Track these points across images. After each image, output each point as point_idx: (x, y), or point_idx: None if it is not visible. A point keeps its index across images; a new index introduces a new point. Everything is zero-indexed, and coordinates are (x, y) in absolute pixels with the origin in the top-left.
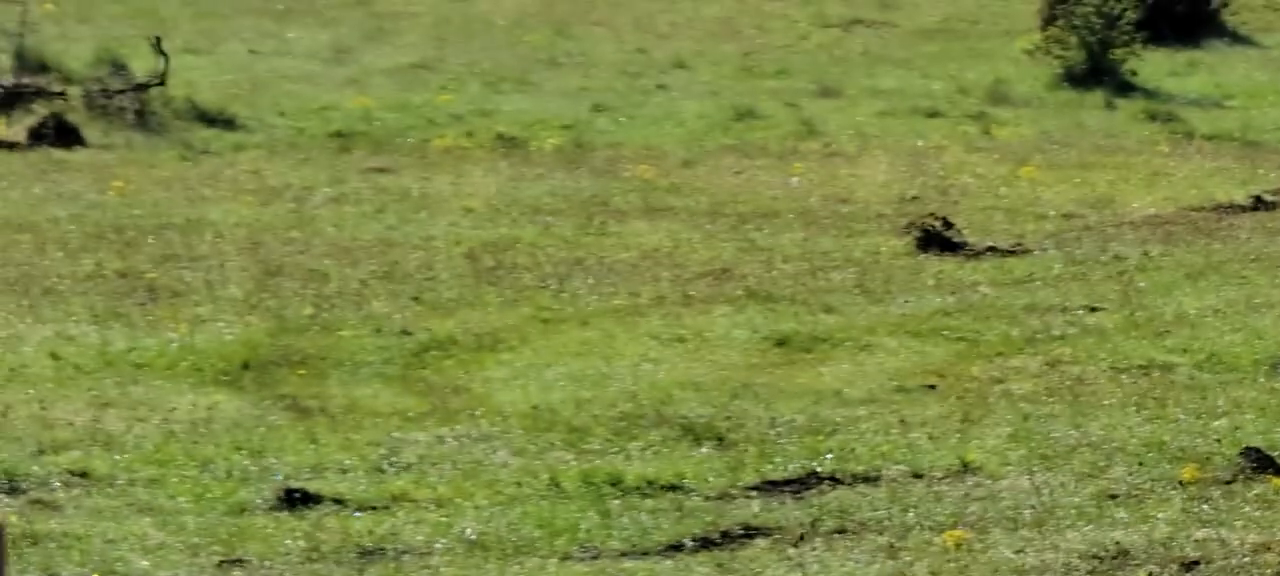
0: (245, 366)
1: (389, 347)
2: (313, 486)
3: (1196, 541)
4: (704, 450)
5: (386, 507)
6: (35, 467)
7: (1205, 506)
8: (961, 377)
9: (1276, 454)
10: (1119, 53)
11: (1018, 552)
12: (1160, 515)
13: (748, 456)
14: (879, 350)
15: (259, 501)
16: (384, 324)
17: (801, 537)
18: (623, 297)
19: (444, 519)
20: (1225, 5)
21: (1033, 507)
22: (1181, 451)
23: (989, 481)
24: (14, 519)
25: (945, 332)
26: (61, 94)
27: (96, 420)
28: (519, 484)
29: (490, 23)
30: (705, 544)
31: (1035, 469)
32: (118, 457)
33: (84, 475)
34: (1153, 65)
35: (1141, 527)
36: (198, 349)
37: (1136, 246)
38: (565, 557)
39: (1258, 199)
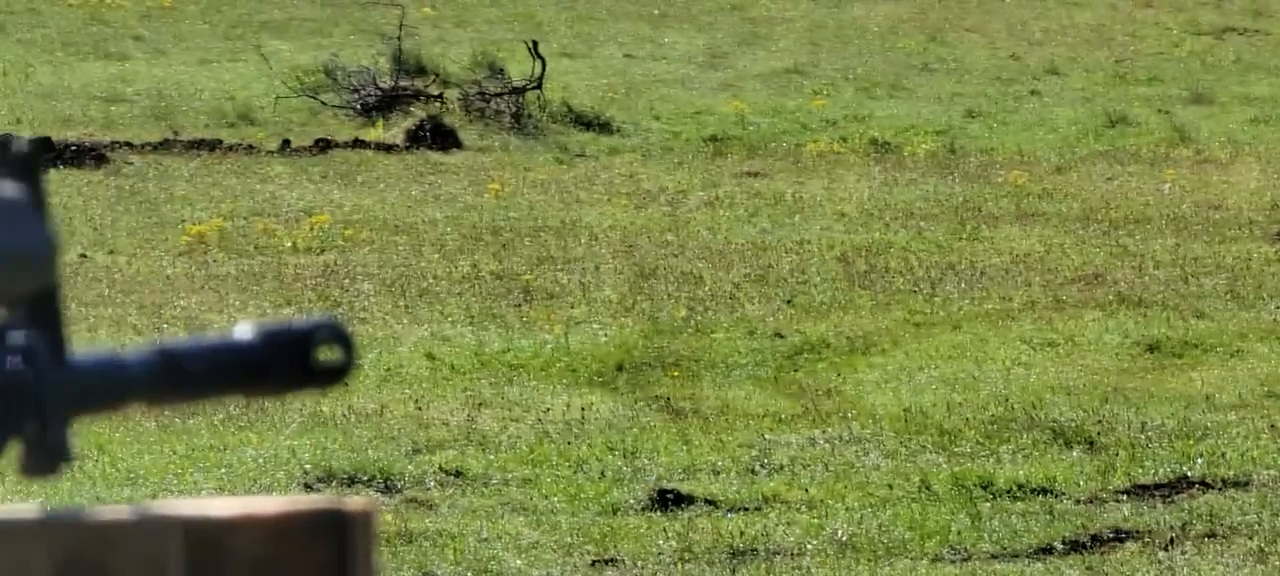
0: (619, 368)
1: (762, 350)
2: (685, 487)
3: None
4: (1074, 454)
5: (758, 508)
6: (411, 467)
7: None
8: None
9: None
10: None
11: None
12: None
13: (1118, 460)
14: (1250, 356)
15: (632, 501)
16: (757, 326)
17: (1171, 541)
18: (994, 302)
19: (815, 520)
20: None
21: None
22: None
23: None
24: (389, 517)
25: None
26: (439, 97)
27: (471, 420)
28: (890, 486)
29: (864, 28)
30: (1075, 547)
31: None
32: (492, 457)
33: (459, 474)
34: None
35: None
36: (572, 350)
37: None
38: (935, 559)
39: None
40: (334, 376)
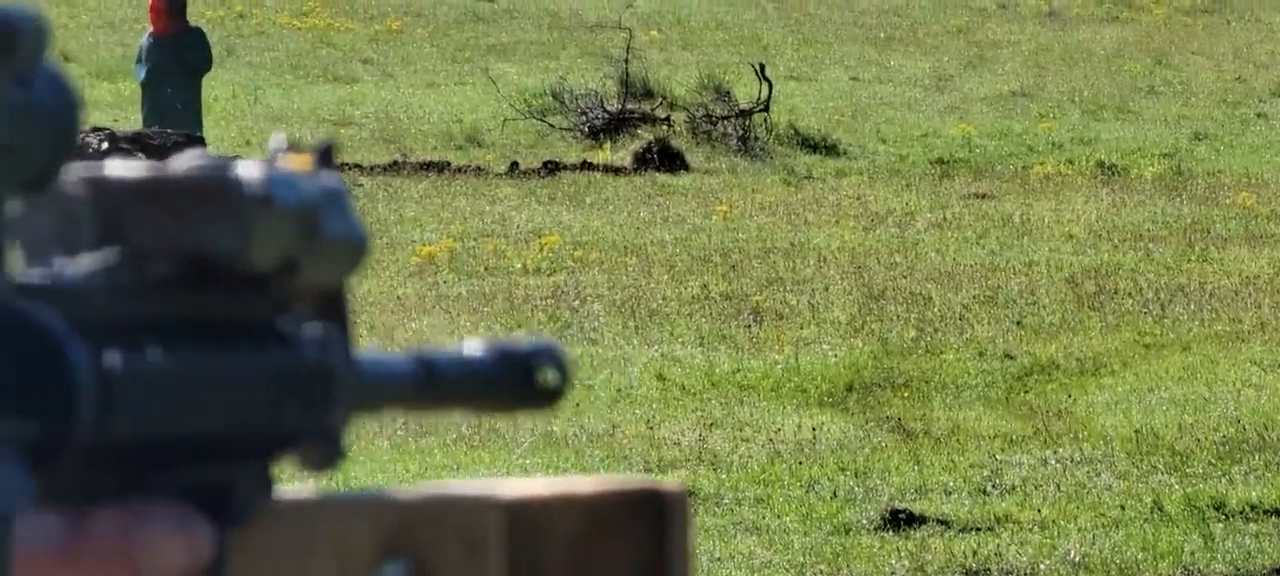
0: (849, 388)
1: (991, 371)
2: (917, 507)
3: None
4: None
5: (990, 528)
6: None
7: None
8: None
9: None
10: None
11: None
12: None
13: None
14: None
15: (864, 521)
16: (986, 347)
17: None
18: (1224, 323)
19: (1047, 540)
20: None
21: None
22: None
23: None
24: None
25: None
26: (666, 120)
27: (702, 440)
28: (1122, 507)
29: (1090, 52)
30: None
31: None
32: (724, 477)
33: (691, 494)
34: None
35: None
36: (802, 371)
37: None
38: None
39: None
40: (552, 398)
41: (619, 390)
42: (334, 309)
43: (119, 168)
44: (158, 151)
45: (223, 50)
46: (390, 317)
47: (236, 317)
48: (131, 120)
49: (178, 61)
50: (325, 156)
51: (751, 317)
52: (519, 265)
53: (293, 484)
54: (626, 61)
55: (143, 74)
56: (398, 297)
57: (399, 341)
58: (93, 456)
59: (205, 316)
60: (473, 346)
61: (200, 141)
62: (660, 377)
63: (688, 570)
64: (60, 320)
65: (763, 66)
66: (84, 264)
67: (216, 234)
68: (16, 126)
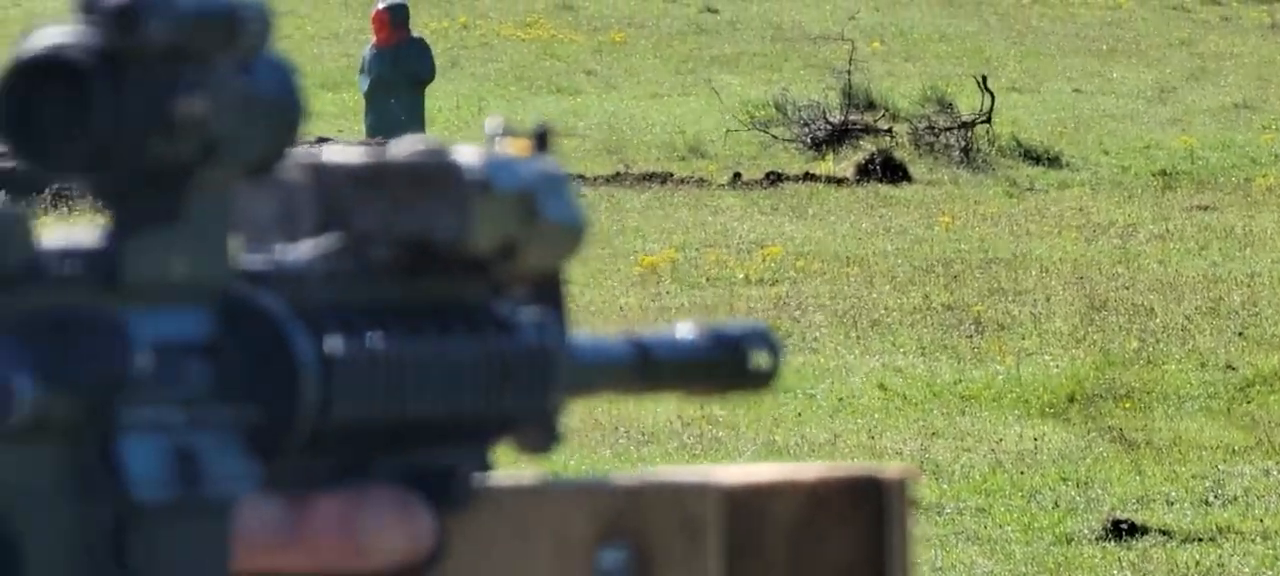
0: (1071, 399)
1: (1214, 382)
2: (1139, 517)
3: None
4: None
5: (1212, 539)
6: None
7: None
8: None
9: None
10: None
11: None
12: None
13: None
14: None
15: (1086, 531)
16: (1208, 358)
17: None
18: None
19: (1271, 551)
20: None
21: None
22: None
23: None
24: None
25: None
26: (888, 131)
27: (924, 449)
28: None
29: None
30: None
31: None
32: (945, 487)
33: (912, 504)
34: None
35: None
36: (1024, 381)
37: None
38: None
39: None
40: (764, 381)
41: (840, 400)
42: (550, 293)
43: (340, 154)
44: None
45: (446, 61)
46: (612, 328)
47: (456, 302)
48: (355, 131)
49: (401, 72)
50: (542, 140)
51: (973, 328)
52: (741, 275)
53: (510, 469)
54: (849, 73)
55: (366, 85)
56: (620, 308)
57: None
58: (315, 441)
59: (425, 301)
60: (686, 330)
61: None
62: (882, 387)
63: (908, 556)
64: (283, 306)
65: (985, 78)
66: (305, 250)
67: (436, 218)
68: (239, 113)
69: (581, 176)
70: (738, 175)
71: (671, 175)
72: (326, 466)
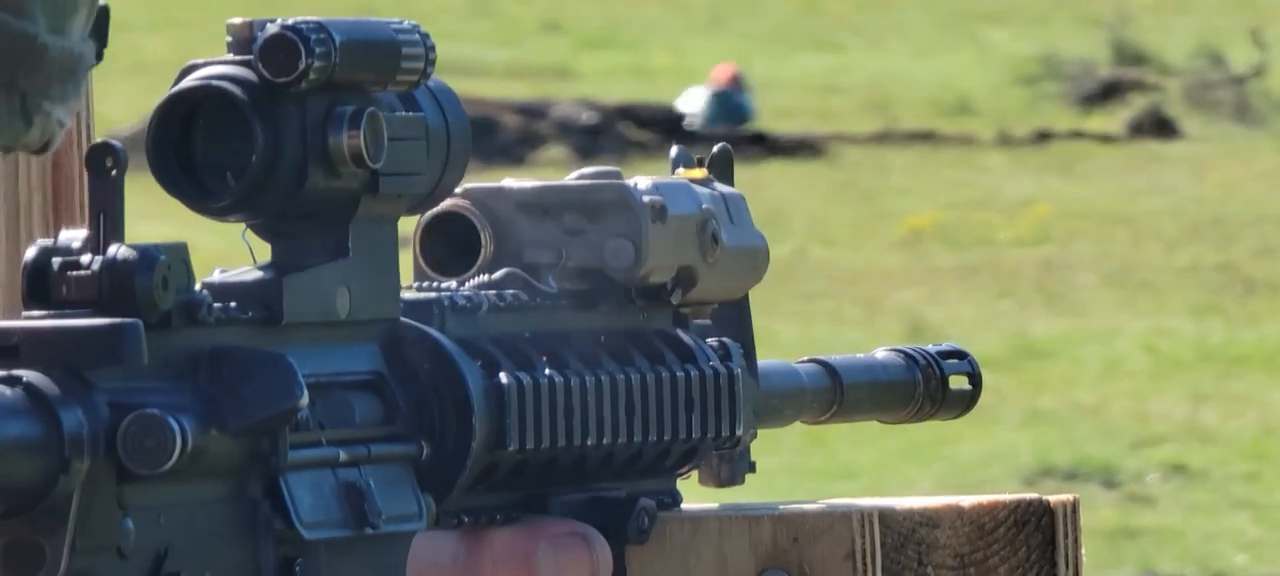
0: None
1: None
2: None
3: None
4: None
5: None
6: (1131, 461)
7: None
8: None
9: None
10: None
11: None
12: None
13: None
14: None
15: None
16: None
17: None
18: None
19: None
20: None
21: None
22: None
23: None
24: (1109, 513)
25: None
26: (1158, 86)
27: (1193, 414)
28: None
29: None
30: None
31: None
32: (1214, 452)
33: (1180, 469)
34: None
35: None
36: None
37: None
38: None
39: None
40: (964, 404)
41: (1107, 363)
42: (736, 319)
43: (512, 184)
44: (643, 124)
45: (710, 20)
46: (876, 289)
47: (633, 331)
48: (616, 91)
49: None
50: (723, 165)
51: (1244, 288)
52: (1007, 236)
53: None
54: (1119, 27)
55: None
56: (884, 269)
57: (884, 312)
58: (489, 475)
59: (601, 330)
60: (882, 353)
61: (679, 116)
62: (1150, 350)
63: None
64: (453, 339)
65: (1258, 31)
66: (478, 281)
67: (610, 247)
68: (403, 146)
69: (846, 136)
70: (1005, 133)
71: (938, 133)
72: (503, 499)
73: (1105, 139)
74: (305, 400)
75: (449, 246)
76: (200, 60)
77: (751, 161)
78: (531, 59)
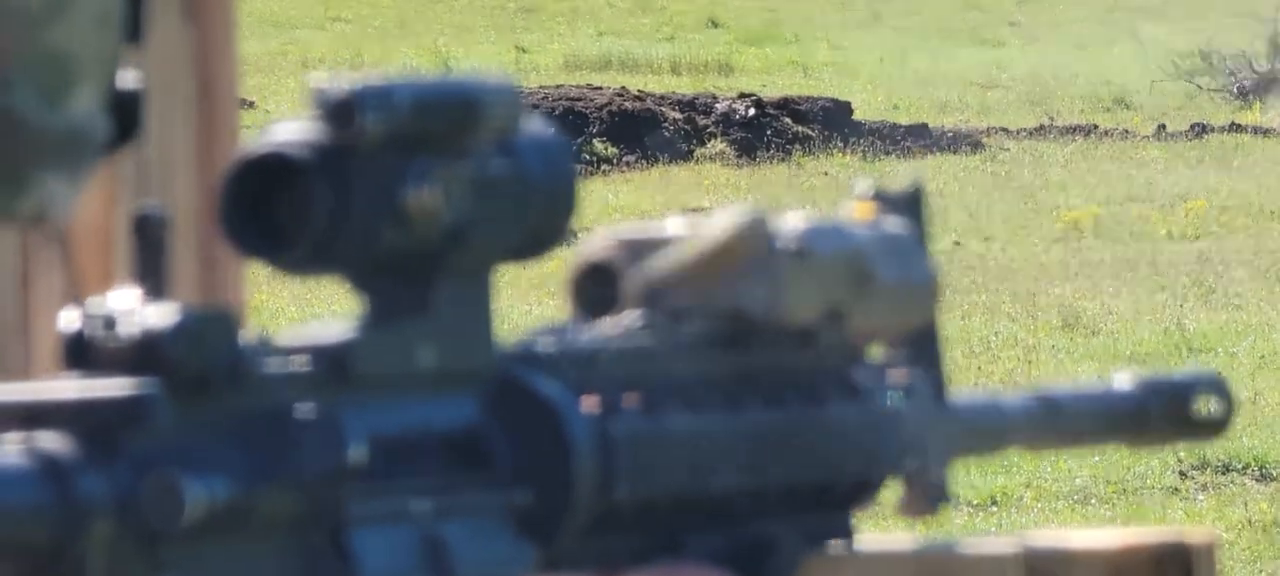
0: None
1: None
2: None
3: None
4: None
5: None
6: None
7: None
8: None
9: None
10: None
11: None
12: None
13: None
14: None
15: None
16: None
17: None
18: None
19: None
20: None
21: None
22: None
23: None
24: (1265, 506)
25: None
26: None
27: None
28: None
29: None
30: None
31: None
32: None
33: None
34: None
35: None
36: None
37: None
38: None
39: None
40: (1212, 429)
41: (1262, 358)
42: (924, 351)
43: (648, 230)
44: (804, 117)
45: (869, 15)
46: (1033, 284)
47: (780, 369)
48: (780, 86)
49: None
50: (905, 204)
51: None
52: (1164, 231)
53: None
54: (1277, 21)
55: None
56: (1041, 264)
57: (1041, 307)
58: (606, 520)
59: (745, 373)
60: (1121, 379)
61: (846, 106)
62: None
63: None
64: (560, 388)
65: None
66: (603, 328)
67: (747, 290)
68: (492, 197)
69: (1005, 130)
70: (1162, 127)
71: (1096, 127)
72: (630, 544)
73: (1263, 133)
74: (360, 455)
75: (598, 291)
76: (280, 121)
77: (910, 156)
78: (693, 54)
